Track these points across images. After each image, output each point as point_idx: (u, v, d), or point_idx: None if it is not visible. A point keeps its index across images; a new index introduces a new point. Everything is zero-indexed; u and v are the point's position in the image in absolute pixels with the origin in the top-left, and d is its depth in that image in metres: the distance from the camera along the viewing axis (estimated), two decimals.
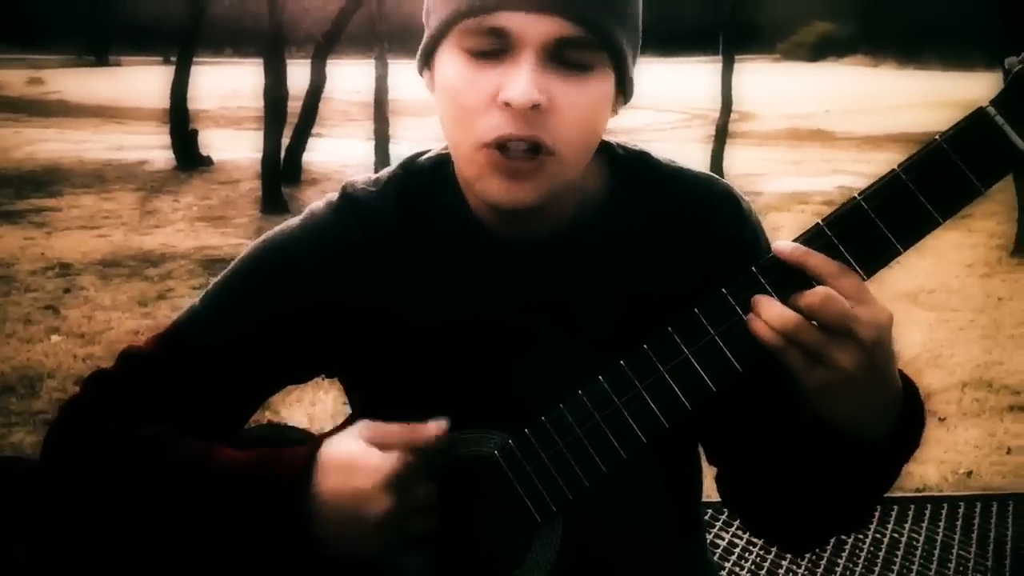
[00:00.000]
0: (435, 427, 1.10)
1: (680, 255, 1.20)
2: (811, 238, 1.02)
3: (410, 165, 1.26)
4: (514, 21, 1.06)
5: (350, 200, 1.23)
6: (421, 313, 1.18)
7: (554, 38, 1.06)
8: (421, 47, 1.17)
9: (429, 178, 1.24)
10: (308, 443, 1.11)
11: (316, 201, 1.26)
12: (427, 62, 1.17)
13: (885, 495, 1.17)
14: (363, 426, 1.11)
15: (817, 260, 1.01)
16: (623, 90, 1.16)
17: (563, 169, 1.11)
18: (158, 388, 1.19)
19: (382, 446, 1.08)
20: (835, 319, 0.99)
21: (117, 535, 1.15)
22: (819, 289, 1.00)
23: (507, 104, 1.06)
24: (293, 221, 1.25)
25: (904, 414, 1.08)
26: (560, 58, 1.08)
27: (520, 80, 1.06)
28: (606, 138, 1.23)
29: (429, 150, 1.27)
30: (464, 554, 1.16)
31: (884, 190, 1.01)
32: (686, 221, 1.21)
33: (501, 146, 1.08)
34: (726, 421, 1.22)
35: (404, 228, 1.21)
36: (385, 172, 1.27)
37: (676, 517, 1.16)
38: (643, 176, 1.23)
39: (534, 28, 1.06)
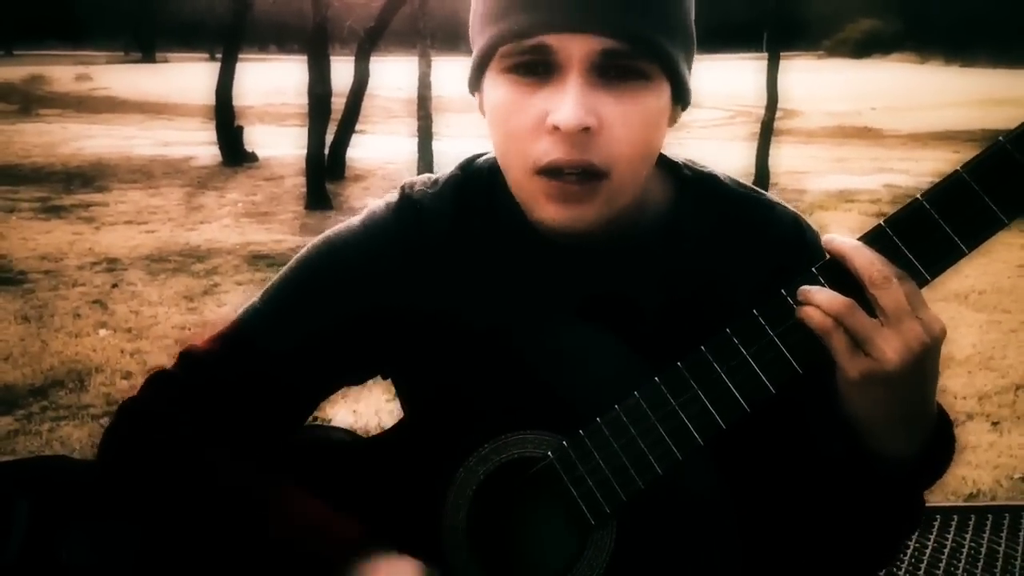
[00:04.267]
0: None
1: (740, 278, 1.19)
2: (873, 239, 1.00)
3: (468, 166, 1.25)
4: (555, 40, 1.04)
5: (409, 202, 1.23)
6: (477, 316, 1.17)
7: (598, 51, 1.04)
8: (469, 69, 1.15)
9: (488, 180, 1.22)
10: (369, 537, 1.10)
11: (376, 201, 1.26)
12: (477, 84, 1.16)
13: (931, 505, 1.15)
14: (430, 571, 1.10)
15: (873, 264, 0.99)
16: (680, 98, 1.13)
17: (619, 189, 1.09)
18: (219, 391, 1.18)
19: None
20: (891, 301, 0.97)
21: (166, 540, 1.15)
22: (880, 269, 0.98)
23: (556, 128, 1.05)
24: (353, 222, 1.24)
25: (933, 441, 1.06)
26: (609, 71, 1.05)
27: (567, 103, 1.04)
28: (673, 156, 1.22)
29: (487, 152, 1.26)
30: (516, 556, 1.15)
31: (948, 191, 0.99)
32: (751, 247, 1.20)
33: (553, 171, 1.06)
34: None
35: (462, 231, 1.20)
36: (444, 173, 1.26)
37: (731, 516, 1.14)
38: (709, 197, 1.21)
39: (577, 46, 1.04)
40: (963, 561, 2.44)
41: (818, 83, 30.51)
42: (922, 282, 1.00)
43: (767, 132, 13.04)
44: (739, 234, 1.20)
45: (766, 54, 13.84)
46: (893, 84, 33.09)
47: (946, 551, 2.48)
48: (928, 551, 2.48)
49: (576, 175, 1.06)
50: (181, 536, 1.13)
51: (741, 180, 1.26)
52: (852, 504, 1.09)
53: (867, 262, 0.98)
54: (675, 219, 1.19)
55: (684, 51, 1.11)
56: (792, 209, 1.25)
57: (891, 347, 0.97)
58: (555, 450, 1.11)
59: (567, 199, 1.08)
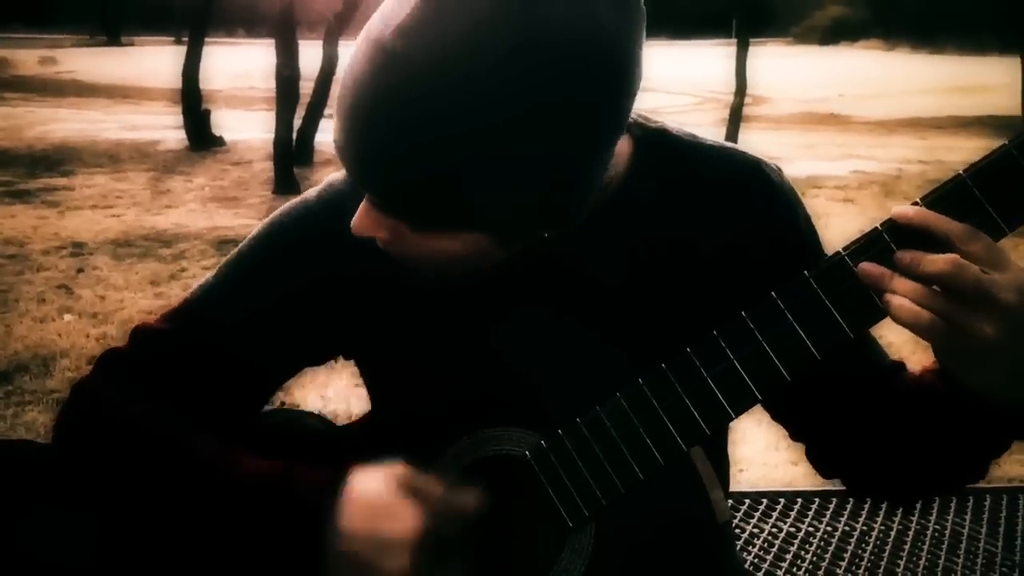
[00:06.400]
0: (477, 500, 1.04)
1: (705, 238, 1.14)
2: (952, 190, 0.94)
3: None
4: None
5: None
6: (439, 296, 1.13)
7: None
8: None
9: None
10: (332, 471, 1.04)
11: (335, 173, 1.21)
12: None
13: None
14: (399, 470, 1.03)
15: (943, 223, 0.93)
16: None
17: None
18: (171, 369, 1.14)
19: (416, 494, 1.01)
20: (969, 287, 0.91)
21: (126, 520, 1.11)
22: (947, 256, 0.91)
23: None
24: (310, 193, 1.21)
25: None
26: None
27: (359, 211, 1.04)
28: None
29: None
30: (489, 558, 1.11)
31: None
32: (711, 202, 1.14)
33: None
34: (804, 399, 1.16)
35: None
36: None
37: (710, 516, 1.09)
38: (663, 155, 1.15)
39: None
40: (927, 542, 2.46)
41: (787, 70, 30.59)
42: (999, 236, 0.94)
43: (736, 118, 13.11)
44: (696, 192, 1.14)
45: (735, 40, 13.87)
46: (861, 71, 33.23)
47: (911, 533, 2.50)
48: (893, 533, 2.49)
49: None
50: (137, 513, 1.09)
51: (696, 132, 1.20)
52: (950, 435, 1.06)
53: (946, 223, 0.93)
54: (627, 185, 1.14)
55: (514, 193, 0.97)
56: (752, 154, 1.19)
57: (988, 323, 0.92)
58: (533, 449, 1.07)
59: None
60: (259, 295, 1.16)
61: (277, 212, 1.21)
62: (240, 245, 1.20)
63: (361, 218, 1.03)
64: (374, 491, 1.01)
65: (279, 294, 1.16)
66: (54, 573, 1.14)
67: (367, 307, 1.17)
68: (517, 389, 1.09)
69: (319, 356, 1.22)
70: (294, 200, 1.21)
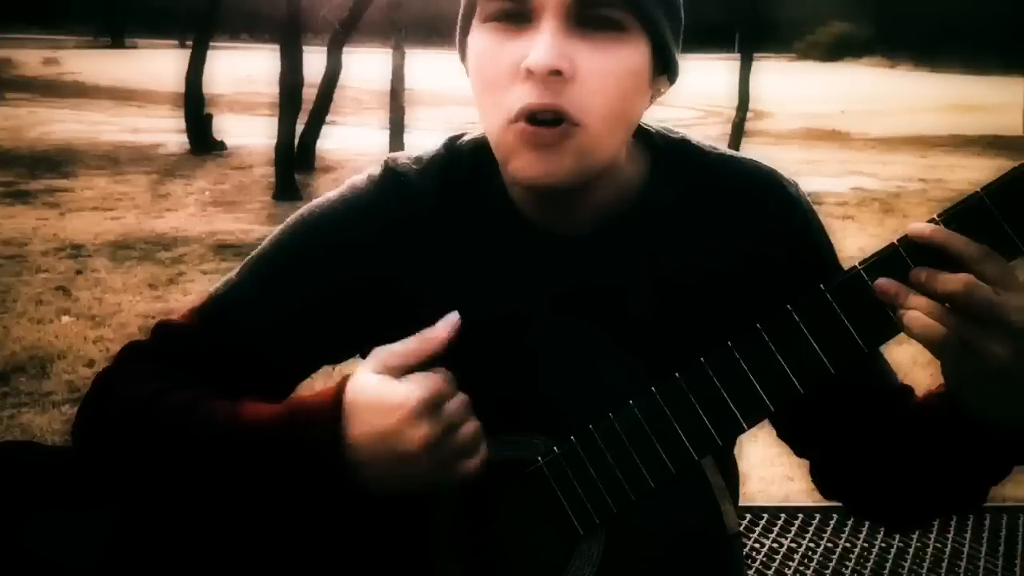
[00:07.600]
0: (445, 327, 1.08)
1: (723, 246, 1.16)
2: (969, 208, 0.95)
3: (451, 146, 1.22)
4: None
5: (393, 176, 1.19)
6: (460, 303, 1.13)
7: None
8: (458, 35, 1.14)
9: (470, 162, 1.19)
10: (333, 389, 1.06)
11: (356, 176, 1.22)
12: (463, 47, 1.14)
13: None
14: (376, 358, 1.07)
15: (959, 242, 0.95)
16: (664, 67, 1.12)
17: (592, 143, 1.06)
18: (195, 366, 1.15)
19: (401, 370, 1.05)
20: (981, 307, 0.93)
21: (150, 504, 1.11)
22: (960, 276, 0.93)
23: (529, 72, 1.02)
24: (332, 195, 1.21)
25: None
26: (585, 19, 1.03)
27: (540, 46, 1.02)
28: (647, 124, 1.20)
29: (466, 133, 1.23)
30: (499, 562, 1.11)
31: None
32: (729, 211, 1.17)
33: (527, 117, 1.04)
34: (811, 416, 1.18)
35: (447, 211, 1.17)
36: (427, 151, 1.22)
37: (720, 527, 1.10)
38: (684, 164, 1.19)
39: None
40: (927, 561, 2.45)
41: (789, 85, 30.66)
42: (1014, 255, 0.95)
43: (738, 133, 13.14)
44: (716, 201, 1.17)
45: (738, 55, 13.91)
46: (863, 88, 33.32)
47: (910, 551, 2.49)
48: (892, 551, 2.48)
49: (548, 122, 1.04)
50: (160, 484, 1.10)
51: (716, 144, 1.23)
52: (952, 459, 1.07)
53: (963, 242, 0.94)
54: (651, 194, 1.17)
55: (666, 13, 1.09)
56: (768, 165, 1.22)
57: (998, 345, 0.93)
58: (546, 455, 1.08)
59: (539, 147, 1.05)
60: (284, 297, 1.17)
61: (302, 212, 1.21)
62: (263, 244, 1.21)
63: (548, 50, 1.02)
64: (365, 389, 1.04)
65: (304, 297, 1.17)
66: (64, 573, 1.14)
67: (389, 310, 1.16)
68: (532, 395, 1.10)
69: (340, 355, 1.23)
70: (317, 201, 1.22)
